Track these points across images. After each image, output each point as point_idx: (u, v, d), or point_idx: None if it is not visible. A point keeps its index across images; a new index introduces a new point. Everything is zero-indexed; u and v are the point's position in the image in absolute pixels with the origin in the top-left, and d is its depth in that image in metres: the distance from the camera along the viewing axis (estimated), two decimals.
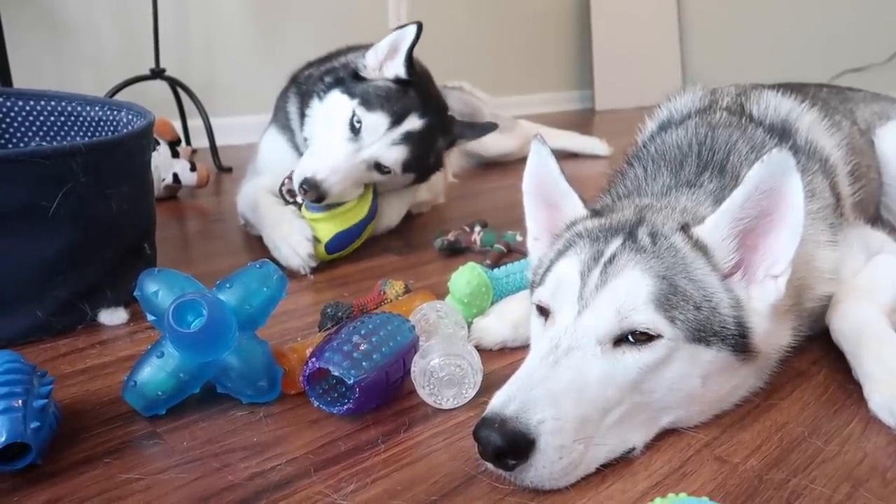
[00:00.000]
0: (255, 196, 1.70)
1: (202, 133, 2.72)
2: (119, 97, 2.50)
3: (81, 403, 0.95)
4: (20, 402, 0.78)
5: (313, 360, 0.89)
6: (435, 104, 1.64)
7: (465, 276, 1.15)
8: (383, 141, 1.53)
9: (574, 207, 1.00)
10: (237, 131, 3.05)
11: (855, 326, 1.04)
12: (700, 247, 0.87)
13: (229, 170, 2.62)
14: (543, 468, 0.75)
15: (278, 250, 1.51)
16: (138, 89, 2.58)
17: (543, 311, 0.91)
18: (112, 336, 1.17)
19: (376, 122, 1.52)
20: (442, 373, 0.92)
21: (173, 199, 2.18)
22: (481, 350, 1.09)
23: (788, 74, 1.14)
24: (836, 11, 3.93)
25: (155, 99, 2.63)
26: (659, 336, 0.81)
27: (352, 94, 1.55)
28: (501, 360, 1.08)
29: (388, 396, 0.94)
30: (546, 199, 1.04)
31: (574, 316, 0.84)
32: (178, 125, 2.63)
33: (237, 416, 0.92)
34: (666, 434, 0.87)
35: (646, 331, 0.81)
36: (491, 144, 2.57)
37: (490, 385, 0.97)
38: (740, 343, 0.85)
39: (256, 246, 1.73)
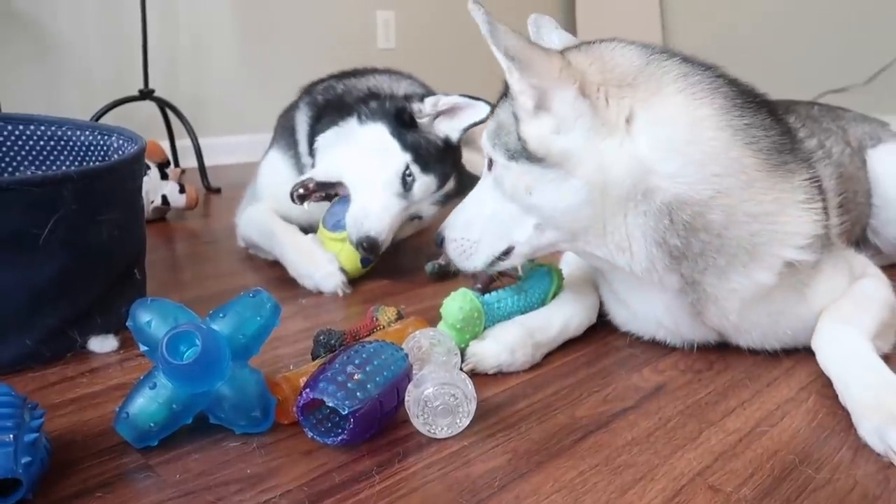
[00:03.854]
0: (268, 223, 1.69)
1: (190, 152, 2.72)
2: (107, 118, 2.50)
3: (72, 434, 0.94)
4: (11, 436, 0.77)
5: (307, 390, 0.88)
6: (461, 164, 1.72)
7: (458, 302, 1.15)
8: (428, 200, 1.61)
9: None
10: (225, 151, 3.06)
11: (841, 352, 1.05)
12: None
13: (218, 190, 2.62)
14: (451, 252, 1.18)
15: (310, 278, 1.53)
16: (126, 110, 2.58)
17: None
18: (102, 364, 1.16)
19: (429, 184, 1.57)
20: (436, 402, 0.92)
21: (162, 221, 2.17)
22: (476, 374, 1.10)
23: (771, 93, 1.16)
24: (818, 32, 4.00)
25: (143, 120, 2.63)
26: (493, 160, 1.09)
27: (404, 145, 1.55)
28: (495, 386, 1.08)
29: (382, 426, 0.94)
30: None
31: None
32: (165, 145, 2.63)
33: (230, 446, 0.92)
34: (658, 463, 0.87)
35: (488, 155, 1.11)
36: (480, 164, 2.59)
37: (484, 413, 0.98)
38: (530, 155, 1.01)
39: (247, 268, 1.73)
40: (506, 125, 1.06)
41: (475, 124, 1.59)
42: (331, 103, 1.68)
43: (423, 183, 1.56)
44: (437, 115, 1.60)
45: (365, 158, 1.56)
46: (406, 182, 1.54)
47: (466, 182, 1.74)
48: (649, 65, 1.04)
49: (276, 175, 1.79)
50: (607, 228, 1.04)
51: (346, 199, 1.57)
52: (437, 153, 1.58)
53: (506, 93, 1.10)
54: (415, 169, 1.54)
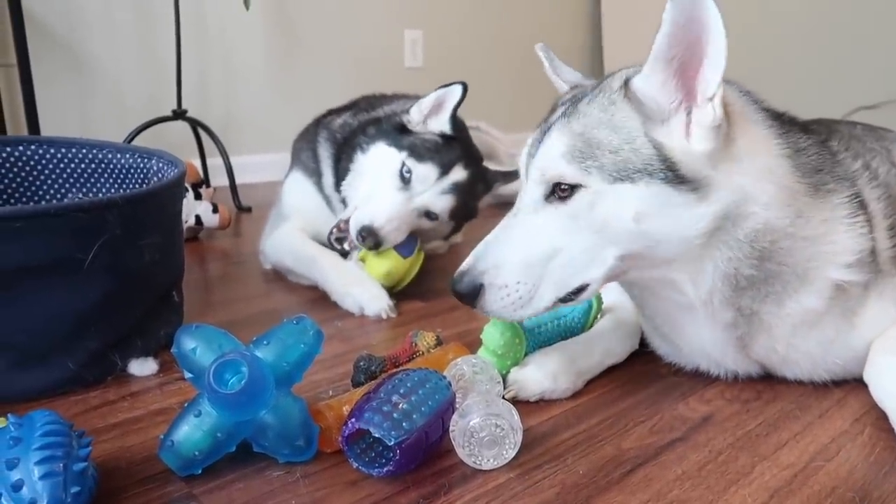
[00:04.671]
0: (304, 249, 1.71)
1: (220, 171, 2.74)
2: (140, 137, 2.53)
3: (115, 461, 0.94)
4: (60, 465, 0.77)
5: (353, 420, 0.88)
6: (474, 156, 1.72)
7: (499, 328, 1.14)
8: (433, 190, 1.60)
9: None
10: (254, 169, 3.08)
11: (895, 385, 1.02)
12: (629, 96, 0.95)
13: (249, 209, 2.64)
14: (494, 302, 0.99)
15: (353, 298, 1.53)
16: (158, 129, 2.61)
17: None
18: (142, 388, 1.16)
19: (427, 172, 1.59)
20: (482, 433, 0.90)
21: (194, 241, 2.18)
22: (518, 402, 1.08)
23: (803, 110, 1.15)
24: (848, 47, 3.96)
25: (175, 139, 2.66)
26: (579, 185, 0.95)
27: (399, 147, 1.61)
28: (538, 415, 1.06)
29: (427, 456, 0.93)
30: None
31: (525, 186, 1.02)
32: (197, 164, 2.65)
33: (274, 476, 0.91)
34: (712, 499, 0.85)
35: (560, 181, 0.96)
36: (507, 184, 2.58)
37: (528, 443, 0.97)
38: (671, 175, 0.92)
39: (276, 290, 1.72)
40: (609, 143, 0.94)
41: (458, 105, 1.62)
42: (348, 141, 1.75)
43: (421, 173, 1.58)
44: (426, 118, 1.65)
45: (370, 175, 1.62)
46: (404, 177, 1.58)
47: (489, 178, 1.78)
48: (728, 91, 1.02)
49: (301, 195, 1.85)
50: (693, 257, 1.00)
51: None
52: (434, 146, 1.61)
53: (568, 108, 1.03)
54: (410, 162, 1.58)
